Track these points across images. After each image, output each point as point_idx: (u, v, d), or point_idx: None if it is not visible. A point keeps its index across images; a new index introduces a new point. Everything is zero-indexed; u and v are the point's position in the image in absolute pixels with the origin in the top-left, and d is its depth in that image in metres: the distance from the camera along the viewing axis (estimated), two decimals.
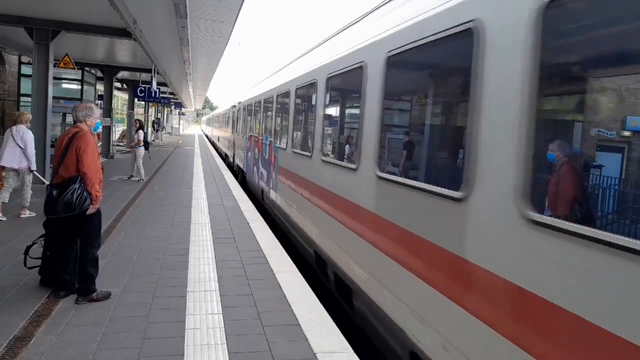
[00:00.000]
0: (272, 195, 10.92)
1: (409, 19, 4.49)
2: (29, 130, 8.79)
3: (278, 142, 10.63)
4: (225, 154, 28.02)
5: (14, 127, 8.68)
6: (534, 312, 2.66)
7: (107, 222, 8.41)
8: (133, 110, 28.28)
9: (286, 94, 9.96)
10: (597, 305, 2.32)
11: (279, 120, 11.16)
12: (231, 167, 22.38)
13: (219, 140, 37.07)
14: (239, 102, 20.69)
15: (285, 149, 9.59)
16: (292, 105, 9.44)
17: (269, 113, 12.28)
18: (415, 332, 3.97)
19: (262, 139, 13.05)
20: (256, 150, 14.09)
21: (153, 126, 38.90)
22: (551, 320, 2.55)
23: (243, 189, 14.34)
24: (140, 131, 15.35)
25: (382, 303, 4.70)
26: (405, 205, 4.35)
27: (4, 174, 8.55)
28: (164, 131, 49.57)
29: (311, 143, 7.61)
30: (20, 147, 8.55)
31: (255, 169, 14.19)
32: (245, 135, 17.35)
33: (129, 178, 14.94)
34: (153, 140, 35.80)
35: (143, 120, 25.69)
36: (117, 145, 26.89)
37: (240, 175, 18.67)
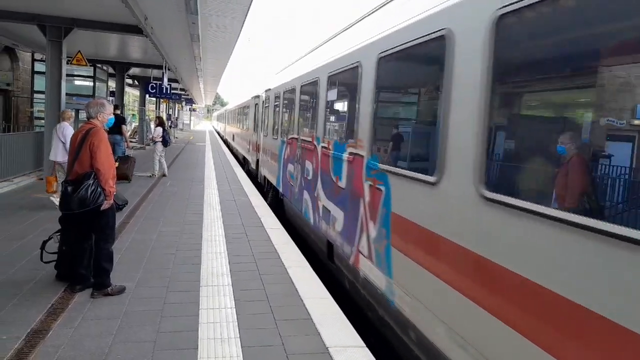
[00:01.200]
0: (372, 274, 5.22)
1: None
2: (70, 126, 9.35)
3: (392, 160, 5.05)
4: (244, 158, 22.45)
5: (58, 125, 9.51)
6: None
7: (120, 218, 8.50)
8: (144, 106, 28.45)
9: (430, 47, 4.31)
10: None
11: (404, 112, 5.75)
12: (252, 176, 17.33)
13: (233, 139, 30.74)
14: (267, 90, 14.42)
15: (467, 196, 3.49)
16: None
17: (350, 100, 6.53)
18: None
19: (324, 149, 7.22)
20: (310, 165, 8.11)
21: (170, 123, 38.75)
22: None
23: (277, 215, 9.89)
24: (159, 128, 15.44)
25: None
26: None
27: (57, 167, 9.48)
28: (176, 128, 49.26)
29: None
30: (62, 141, 9.13)
31: (307, 197, 8.19)
32: (282, 137, 11.22)
33: (162, 175, 15.16)
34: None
35: (160, 116, 24.93)
36: (130, 142, 27.05)
37: (271, 194, 12.94)
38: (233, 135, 31.63)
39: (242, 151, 23.55)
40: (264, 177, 14.52)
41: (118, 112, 14.37)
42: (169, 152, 22.03)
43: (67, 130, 9.18)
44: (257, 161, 16.52)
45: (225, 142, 39.81)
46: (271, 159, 12.90)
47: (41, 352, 3.84)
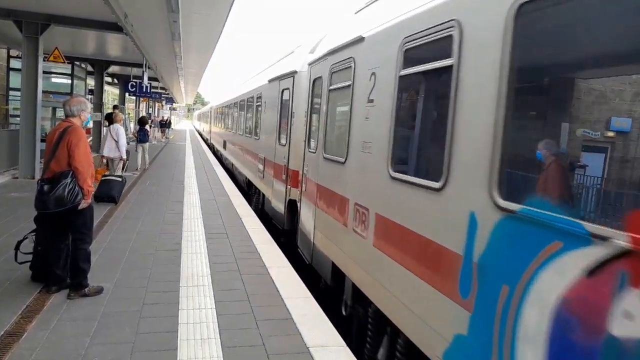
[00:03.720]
0: None
1: None
2: (121, 127, 11.45)
3: None
4: (248, 183, 14.13)
5: (110, 126, 11.58)
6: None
7: (99, 217, 8.36)
8: (124, 105, 28.07)
9: None
10: None
11: None
12: (267, 219, 10.29)
13: (225, 146, 21.63)
14: (337, 51, 6.04)
15: None
16: None
17: None
18: None
19: None
20: None
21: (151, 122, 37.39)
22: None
23: None
24: (137, 126, 17.65)
25: None
26: None
27: (104, 161, 11.53)
28: (169, 128, 45.92)
29: None
30: (115, 140, 11.24)
31: None
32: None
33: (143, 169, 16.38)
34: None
35: (144, 116, 25.47)
36: None
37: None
38: (224, 142, 21.79)
39: (245, 171, 14.60)
40: (346, 278, 5.56)
41: (117, 111, 14.91)
42: (150, 151, 21.72)
43: (120, 130, 11.29)
44: (295, 206, 8.28)
45: (211, 147, 30.91)
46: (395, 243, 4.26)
47: (15, 355, 3.76)
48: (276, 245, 7.51)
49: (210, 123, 34.35)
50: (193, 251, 6.87)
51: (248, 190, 14.19)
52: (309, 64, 7.62)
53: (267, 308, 4.98)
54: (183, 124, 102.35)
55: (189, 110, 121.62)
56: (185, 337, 4.21)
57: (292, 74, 9.01)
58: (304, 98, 7.99)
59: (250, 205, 10.97)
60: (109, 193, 9.65)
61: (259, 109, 12.48)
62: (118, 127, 11.35)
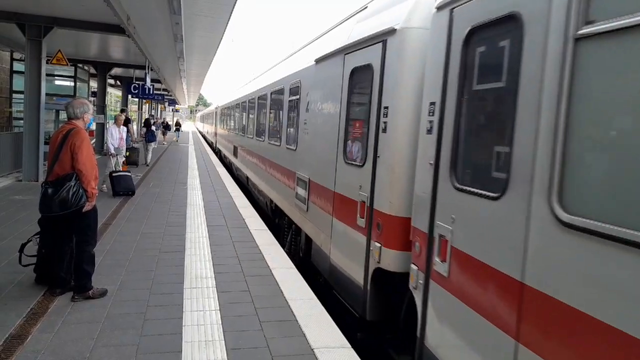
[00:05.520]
0: None
1: None
2: (113, 127, 12.43)
3: None
4: (277, 213, 10.10)
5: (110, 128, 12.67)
6: None
7: (102, 219, 8.37)
8: (127, 107, 28.14)
9: None
10: None
11: None
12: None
13: (235, 154, 18.14)
14: None
15: None
16: None
17: None
18: None
19: None
20: None
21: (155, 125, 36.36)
22: None
23: None
24: (144, 128, 20.28)
25: None
26: None
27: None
28: (179, 131, 43.67)
29: None
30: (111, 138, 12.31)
31: None
32: None
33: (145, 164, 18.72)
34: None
35: (147, 119, 26.98)
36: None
37: None
38: (235, 149, 18.23)
39: (272, 194, 10.39)
40: None
41: (120, 113, 15.35)
42: (154, 152, 21.80)
43: (111, 129, 12.29)
44: (385, 278, 4.69)
45: (217, 153, 27.28)
46: None
47: (20, 358, 3.75)
48: (280, 247, 7.49)
49: (215, 125, 29.12)
50: (197, 253, 6.87)
51: (274, 218, 10.50)
52: (442, 6, 3.73)
53: (271, 309, 4.97)
54: (186, 126, 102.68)
55: (191, 112, 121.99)
56: (189, 339, 4.21)
57: (384, 36, 4.84)
58: (419, 77, 4.33)
59: (283, 247, 7.91)
60: (128, 187, 11.23)
61: (296, 104, 8.44)
62: (110, 127, 12.58)
